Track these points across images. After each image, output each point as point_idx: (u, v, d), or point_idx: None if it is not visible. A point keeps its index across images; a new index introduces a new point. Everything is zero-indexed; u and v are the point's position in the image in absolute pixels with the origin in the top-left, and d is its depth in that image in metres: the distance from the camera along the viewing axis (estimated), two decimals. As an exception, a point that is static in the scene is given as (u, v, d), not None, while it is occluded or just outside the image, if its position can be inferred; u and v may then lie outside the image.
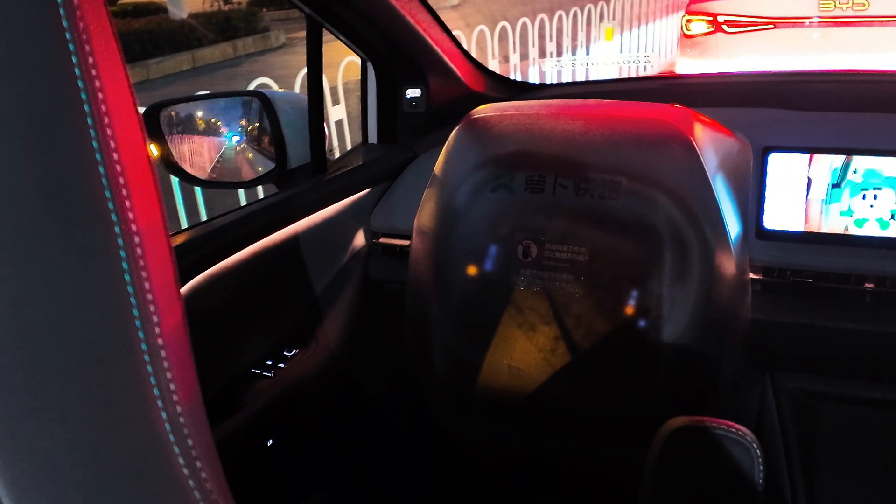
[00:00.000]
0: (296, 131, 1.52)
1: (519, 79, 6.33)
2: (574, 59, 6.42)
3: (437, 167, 1.41)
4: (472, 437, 1.54)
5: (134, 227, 0.36)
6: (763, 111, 1.44)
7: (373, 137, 1.72)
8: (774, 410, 1.45)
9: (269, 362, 1.32)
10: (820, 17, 4.69)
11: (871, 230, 1.28)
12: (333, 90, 4.61)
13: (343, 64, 4.41)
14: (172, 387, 0.36)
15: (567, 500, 1.56)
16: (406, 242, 1.52)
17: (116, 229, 0.35)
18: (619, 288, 1.26)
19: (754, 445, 0.96)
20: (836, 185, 1.30)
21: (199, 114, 1.58)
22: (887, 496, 1.44)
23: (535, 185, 1.31)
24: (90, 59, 0.35)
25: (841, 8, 4.61)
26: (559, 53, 7.01)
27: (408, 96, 1.68)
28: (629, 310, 1.26)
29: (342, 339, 1.48)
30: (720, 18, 4.99)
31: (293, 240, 1.36)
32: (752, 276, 1.34)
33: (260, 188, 3.32)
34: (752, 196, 1.35)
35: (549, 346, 1.31)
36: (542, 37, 6.76)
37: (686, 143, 1.24)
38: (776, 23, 4.81)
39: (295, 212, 1.38)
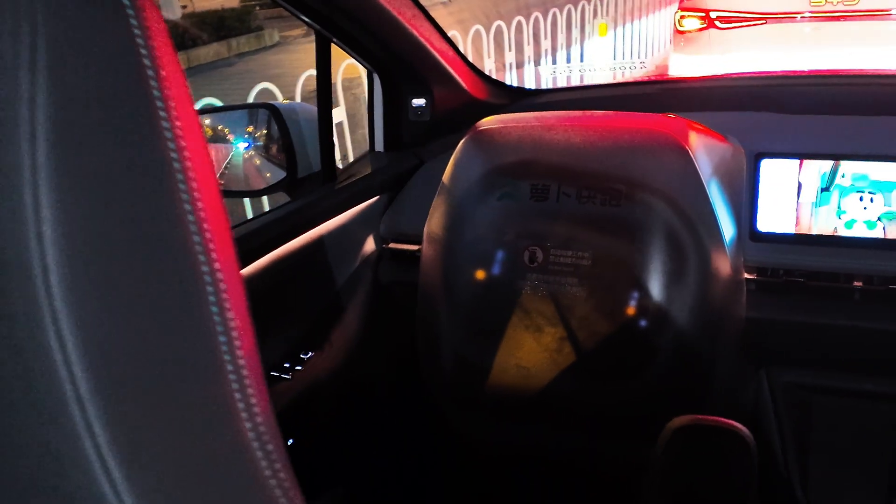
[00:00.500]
0: (304, 141, 1.58)
1: (515, 81, 6.41)
2: (569, 67, 6.47)
3: (445, 177, 1.47)
4: (481, 435, 1.60)
5: (217, 265, 0.42)
6: (755, 115, 1.50)
7: (379, 146, 1.77)
8: (770, 403, 1.51)
9: (287, 365, 1.37)
10: (811, 12, 4.74)
11: (859, 231, 1.34)
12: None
13: (342, 68, 4.48)
14: (254, 400, 0.42)
15: (572, 494, 1.63)
16: (414, 247, 1.58)
17: (205, 268, 0.41)
18: (621, 290, 1.33)
19: (750, 442, 1.03)
20: (825, 189, 1.36)
21: (211, 126, 1.64)
22: (877, 482, 1.51)
23: (540, 194, 1.38)
24: (173, 113, 0.41)
25: (832, 3, 4.66)
26: (554, 50, 7.07)
27: (413, 105, 1.74)
28: (630, 310, 1.33)
29: (355, 341, 1.54)
30: (713, 14, 5.04)
31: (307, 247, 1.42)
32: (746, 275, 1.40)
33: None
34: (745, 200, 1.41)
35: (554, 347, 1.37)
36: (536, 33, 6.82)
37: (681, 151, 1.30)
38: (768, 18, 4.87)
39: (308, 220, 1.43)
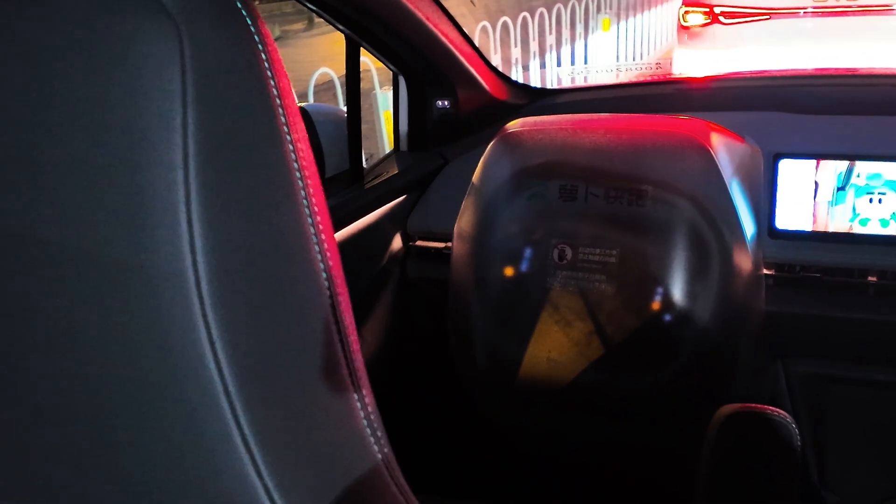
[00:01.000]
0: (332, 141, 1.62)
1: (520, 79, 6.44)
2: (585, 67, 6.50)
3: (475, 177, 1.51)
4: (513, 425, 1.65)
5: (333, 272, 0.47)
6: (771, 115, 1.55)
7: (404, 146, 1.82)
8: (786, 393, 1.56)
9: None
10: (814, 8, 4.77)
11: (873, 229, 1.39)
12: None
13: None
14: (364, 391, 0.48)
15: (600, 481, 1.67)
16: (440, 244, 1.63)
17: (324, 274, 0.46)
18: (647, 286, 1.38)
19: (794, 427, 1.08)
20: (840, 188, 1.41)
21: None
22: (891, 470, 1.56)
23: (569, 194, 1.43)
24: (294, 136, 0.46)
25: (834, -2, 4.70)
26: (559, 45, 7.10)
27: (437, 106, 1.78)
28: (656, 305, 1.37)
29: (385, 335, 1.59)
30: (716, 10, 5.06)
31: (337, 246, 1.46)
32: (765, 271, 1.45)
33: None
34: (764, 199, 1.46)
35: (584, 340, 1.42)
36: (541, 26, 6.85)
37: (704, 152, 1.35)
38: (771, 14, 4.89)
39: (339, 220, 1.48)
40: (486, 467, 1.78)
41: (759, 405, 1.11)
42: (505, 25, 6.29)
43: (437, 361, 1.64)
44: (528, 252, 1.45)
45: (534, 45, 6.72)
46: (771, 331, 1.46)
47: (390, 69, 1.74)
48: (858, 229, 1.40)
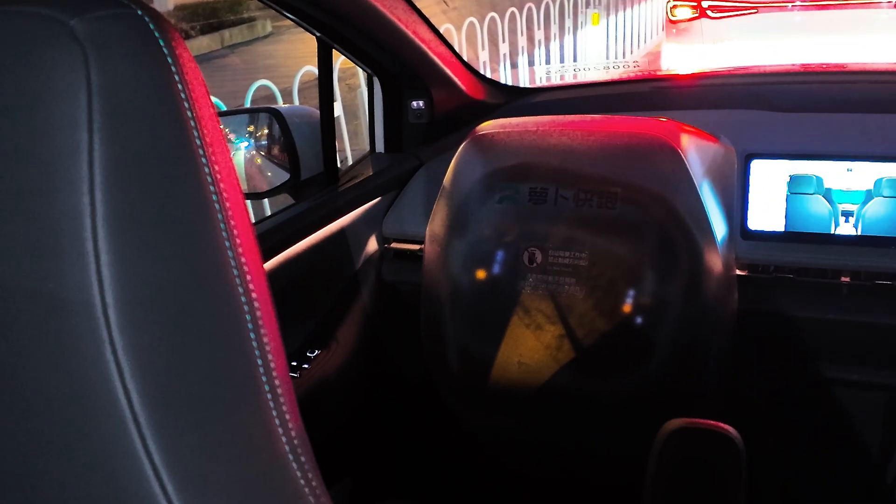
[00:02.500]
0: (307, 143, 1.61)
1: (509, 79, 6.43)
2: (562, 66, 6.50)
3: (447, 180, 1.50)
4: (484, 429, 1.65)
5: (254, 295, 0.46)
6: (746, 113, 1.54)
7: (380, 147, 1.81)
8: (760, 393, 1.56)
9: (294, 363, 1.42)
10: (801, 1, 4.78)
11: (847, 229, 1.39)
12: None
13: (339, 60, 4.49)
14: (287, 416, 0.47)
15: (572, 486, 1.67)
16: (416, 247, 1.62)
17: (243, 298, 0.45)
18: (618, 289, 1.37)
19: (739, 445, 1.08)
20: (814, 188, 1.41)
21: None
22: (866, 470, 1.56)
23: (538, 196, 1.42)
24: (212, 158, 0.45)
25: (821, -9, 4.71)
26: (547, 39, 7.08)
27: (412, 107, 1.77)
28: (627, 308, 1.37)
29: (360, 339, 1.59)
30: (704, 4, 5.07)
31: (313, 249, 1.46)
32: (738, 272, 1.44)
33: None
34: (736, 199, 1.45)
35: (554, 344, 1.41)
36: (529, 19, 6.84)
37: (674, 153, 1.34)
38: (759, 7, 4.90)
39: (313, 223, 1.47)
40: (459, 471, 1.78)
41: (705, 420, 1.10)
42: (492, 20, 6.28)
43: (412, 365, 1.64)
44: (498, 255, 1.44)
45: (522, 41, 6.71)
46: (744, 332, 1.45)
47: (364, 71, 1.73)
48: (832, 230, 1.40)
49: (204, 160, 0.44)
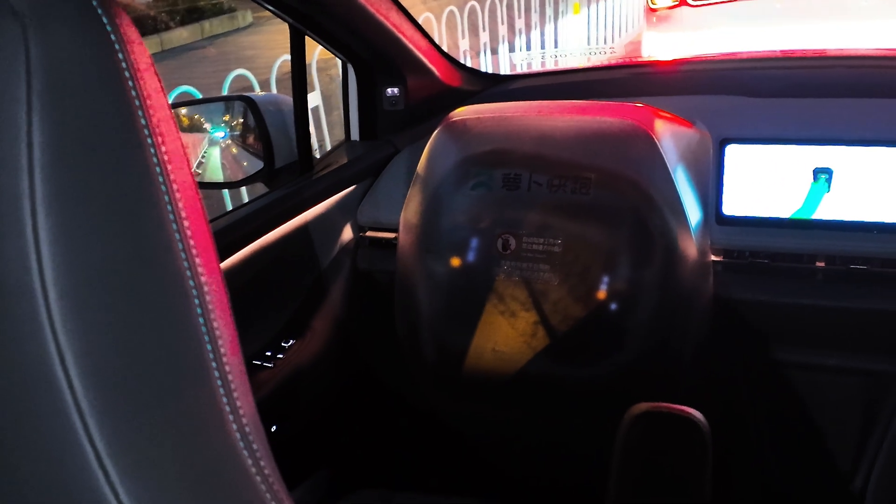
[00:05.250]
0: (281, 131, 1.60)
1: (490, 67, 6.42)
2: (543, 52, 6.49)
3: (420, 167, 1.50)
4: (460, 417, 1.65)
5: (203, 278, 0.45)
6: (722, 99, 1.54)
7: (355, 135, 1.80)
8: (736, 379, 1.57)
9: (269, 353, 1.41)
10: (782, -12, 4.79)
11: (822, 214, 1.39)
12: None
13: (317, 50, 4.47)
14: (239, 403, 0.46)
15: (548, 473, 1.67)
16: (391, 235, 1.61)
17: (191, 281, 0.45)
18: (592, 275, 1.37)
19: (704, 428, 1.08)
20: (788, 173, 1.41)
21: (188, 118, 1.66)
22: (841, 453, 1.56)
23: (512, 182, 1.41)
24: (159, 139, 0.44)
25: (801, -22, 4.71)
26: (528, 28, 7.08)
27: (387, 94, 1.76)
28: (601, 294, 1.37)
29: (335, 328, 1.58)
30: (685, -9, 5.07)
31: (286, 237, 1.45)
32: (713, 258, 1.44)
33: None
34: (711, 184, 1.45)
35: (529, 331, 1.41)
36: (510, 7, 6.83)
37: (648, 139, 1.34)
38: (739, -6, 4.90)
39: (287, 211, 1.46)
40: (435, 459, 1.77)
41: (670, 405, 1.11)
42: (472, 9, 6.27)
43: (387, 353, 1.63)
44: (473, 242, 1.44)
45: (503, 30, 6.70)
46: (720, 318, 1.45)
47: (338, 58, 1.72)
48: (807, 215, 1.40)
49: (150, 140, 0.44)
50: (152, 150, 0.43)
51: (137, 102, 0.43)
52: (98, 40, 0.43)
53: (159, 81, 0.47)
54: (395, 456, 1.80)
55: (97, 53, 0.42)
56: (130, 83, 0.43)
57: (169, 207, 0.44)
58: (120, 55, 0.43)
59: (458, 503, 1.41)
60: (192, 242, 0.45)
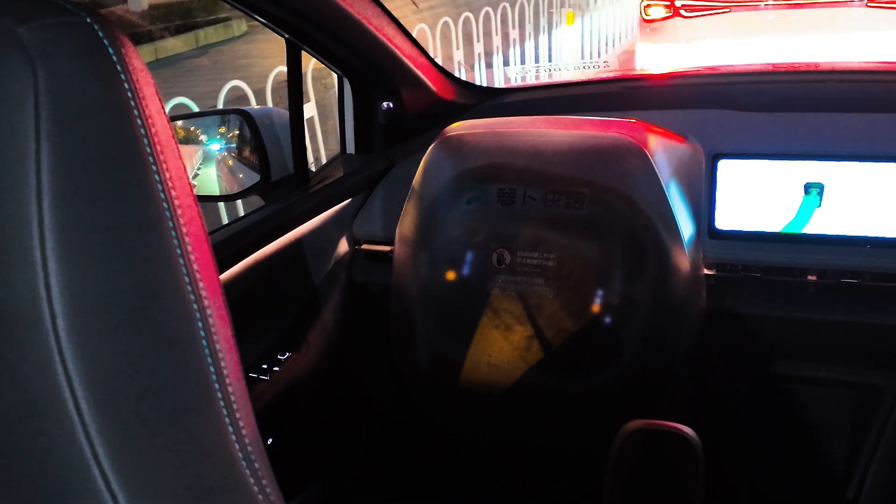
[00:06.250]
0: (276, 145, 1.61)
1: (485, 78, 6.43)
2: (537, 66, 6.51)
3: (416, 181, 1.51)
4: (455, 430, 1.65)
5: (206, 303, 0.46)
6: (714, 113, 1.55)
7: (350, 148, 1.81)
8: (729, 392, 1.57)
9: (265, 366, 1.41)
10: (774, 1, 4.82)
11: (813, 228, 1.40)
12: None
13: (312, 60, 4.47)
14: (241, 423, 0.47)
15: (542, 485, 1.68)
16: (387, 248, 1.62)
17: (195, 305, 0.46)
18: (586, 289, 1.38)
19: (696, 445, 1.09)
20: (781, 188, 1.42)
21: (184, 131, 1.67)
22: (833, 467, 1.57)
23: (507, 197, 1.43)
24: (163, 166, 0.45)
25: (794, -10, 4.75)
26: (522, 39, 7.09)
27: (383, 108, 1.77)
28: (595, 308, 1.38)
29: (331, 341, 1.58)
30: (678, 3, 5.09)
31: (283, 250, 1.46)
32: (706, 271, 1.45)
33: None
34: (704, 199, 1.46)
35: (523, 344, 1.42)
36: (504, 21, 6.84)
37: (641, 154, 1.35)
38: (732, 6, 4.93)
39: (283, 224, 1.47)
40: (430, 471, 1.78)
41: (663, 422, 1.12)
42: (466, 20, 6.28)
43: (383, 366, 1.64)
44: (468, 256, 1.45)
45: (497, 40, 6.71)
46: (713, 331, 1.46)
47: (333, 72, 1.73)
48: (798, 229, 1.41)
49: (154, 167, 0.45)
50: (157, 177, 0.44)
51: (143, 131, 0.44)
52: (104, 70, 0.43)
53: (161, 105, 0.48)
54: (391, 468, 1.80)
55: (103, 83, 0.43)
56: (136, 112, 0.44)
57: (173, 233, 0.45)
58: (126, 84, 0.44)
59: None
60: (195, 266, 0.46)
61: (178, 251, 0.45)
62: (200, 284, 0.46)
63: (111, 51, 0.44)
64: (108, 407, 0.42)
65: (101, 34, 0.44)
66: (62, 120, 0.41)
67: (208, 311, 0.46)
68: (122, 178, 0.43)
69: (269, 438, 1.35)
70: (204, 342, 0.46)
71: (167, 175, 0.45)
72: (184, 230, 0.46)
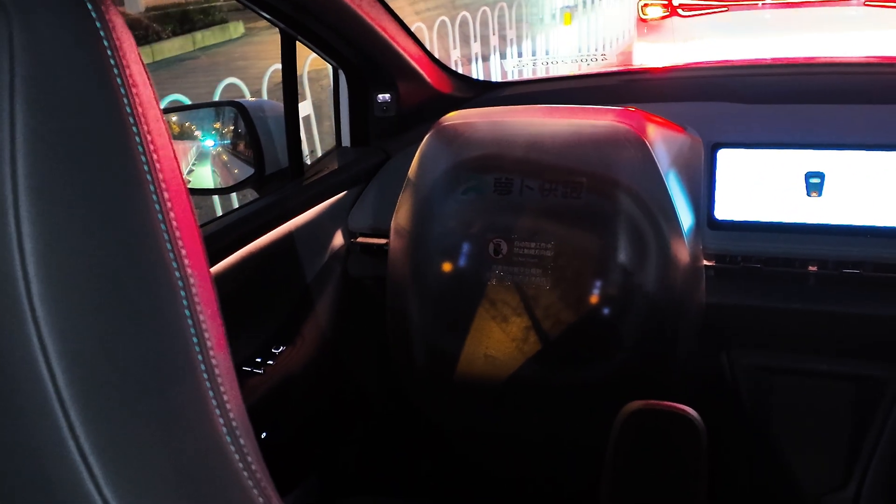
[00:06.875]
0: (271, 138, 1.59)
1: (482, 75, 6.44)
2: (534, 59, 6.51)
3: (411, 172, 1.49)
4: (451, 422, 1.63)
5: (189, 270, 0.44)
6: (713, 105, 1.54)
7: (346, 141, 1.79)
8: (729, 384, 1.56)
9: (259, 360, 1.39)
10: (772, 0, 4.82)
11: (814, 218, 1.38)
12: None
13: (308, 60, 4.48)
14: (226, 398, 0.45)
15: (538, 477, 1.66)
16: (382, 241, 1.60)
17: (177, 273, 0.44)
18: (584, 279, 1.36)
19: (699, 426, 1.07)
20: (780, 178, 1.40)
21: (178, 123, 1.65)
22: (832, 459, 1.56)
23: (504, 187, 1.41)
24: (144, 127, 0.44)
25: (791, -11, 4.75)
26: (519, 39, 7.09)
27: (378, 101, 1.75)
28: (593, 299, 1.36)
29: (326, 335, 1.57)
30: (675, 2, 5.09)
31: (277, 243, 1.44)
32: (705, 262, 1.44)
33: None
34: (703, 189, 1.45)
35: (521, 336, 1.40)
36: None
37: (640, 143, 1.34)
38: (729, 5, 4.93)
39: (278, 217, 1.45)
40: (426, 465, 1.76)
41: (664, 402, 1.10)
42: (464, 20, 6.28)
43: (379, 360, 1.62)
44: (464, 247, 1.43)
45: (494, 39, 6.71)
46: (712, 322, 1.45)
47: (329, 63, 1.71)
48: (799, 219, 1.39)
49: (135, 129, 0.43)
50: (138, 140, 0.43)
51: (123, 91, 0.43)
52: (83, 30, 0.42)
53: (145, 70, 0.46)
54: (386, 462, 1.79)
55: (81, 39, 0.41)
56: (116, 71, 0.42)
57: (155, 198, 0.43)
58: (105, 42, 0.42)
59: None
60: (178, 234, 0.44)
61: (160, 216, 0.43)
62: (183, 252, 0.44)
63: (90, 6, 0.42)
64: (84, 378, 0.40)
65: None
66: (38, 77, 0.40)
67: (191, 280, 0.44)
68: (100, 140, 0.42)
69: (263, 433, 1.34)
70: (186, 312, 0.44)
71: (149, 138, 0.43)
72: (165, 196, 0.44)
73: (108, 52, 0.42)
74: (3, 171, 0.39)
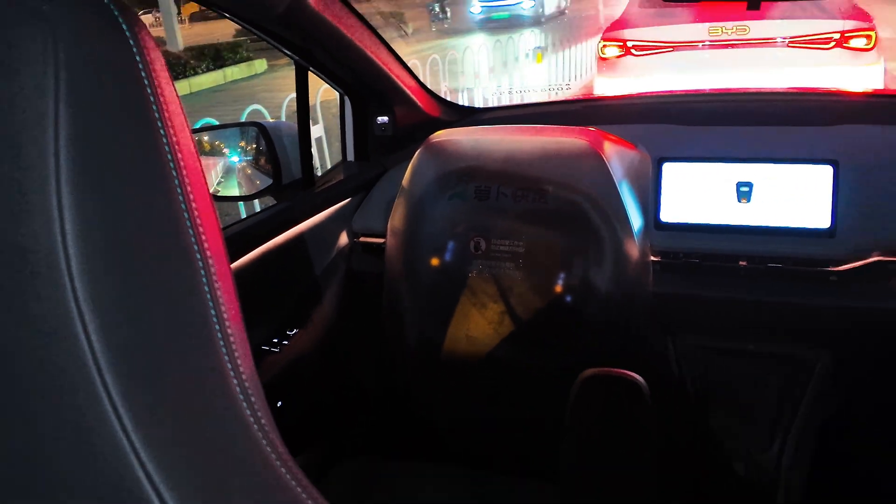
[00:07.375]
0: (287, 153, 1.59)
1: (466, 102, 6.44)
2: (511, 89, 6.52)
3: (405, 181, 1.49)
4: (438, 396, 1.63)
5: (208, 253, 0.44)
6: (659, 126, 1.54)
7: (350, 156, 1.79)
8: (675, 362, 1.56)
9: (276, 340, 1.39)
10: (710, 41, 4.83)
11: (744, 220, 1.39)
12: (311, 109, 4.65)
13: (320, 91, 4.48)
14: (239, 361, 0.45)
15: (514, 439, 1.66)
16: (381, 240, 1.60)
17: (198, 255, 0.43)
18: (551, 272, 1.36)
19: (644, 389, 1.07)
20: (715, 186, 1.41)
21: (209, 142, 1.65)
22: (760, 425, 1.56)
23: (483, 194, 1.41)
24: (170, 130, 0.43)
25: (727, 33, 4.75)
26: (498, 75, 7.10)
27: (378, 122, 1.75)
28: (559, 288, 1.36)
29: (332, 320, 1.56)
30: (629, 43, 5.11)
31: (291, 242, 1.44)
32: (653, 258, 1.44)
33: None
34: (651, 195, 1.45)
35: (497, 320, 1.40)
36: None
37: (597, 157, 1.34)
38: (675, 46, 4.94)
39: (291, 220, 1.45)
40: (416, 431, 1.75)
41: (614, 369, 1.10)
42: (452, 58, 6.28)
43: (376, 340, 1.62)
44: (450, 244, 1.43)
45: (479, 73, 6.71)
46: (660, 310, 1.45)
47: (336, 90, 1.71)
48: (731, 221, 1.40)
49: (162, 131, 0.42)
50: (164, 140, 0.42)
51: (152, 99, 0.42)
52: (118, 45, 0.42)
53: (170, 77, 0.45)
54: (384, 428, 1.78)
55: (117, 54, 0.41)
56: (146, 81, 0.42)
57: (179, 191, 0.43)
58: (137, 58, 0.42)
59: (435, 468, 1.40)
60: (199, 222, 0.44)
61: (183, 206, 0.43)
62: (203, 236, 0.44)
63: (125, 27, 0.42)
64: (117, 340, 0.40)
65: (116, 13, 0.42)
66: (78, 83, 0.39)
67: (210, 261, 0.44)
68: (130, 136, 0.41)
69: (279, 402, 1.33)
70: (206, 288, 0.43)
71: (174, 138, 0.43)
72: (188, 186, 0.43)
73: (139, 65, 0.42)
74: (48, 164, 0.39)
